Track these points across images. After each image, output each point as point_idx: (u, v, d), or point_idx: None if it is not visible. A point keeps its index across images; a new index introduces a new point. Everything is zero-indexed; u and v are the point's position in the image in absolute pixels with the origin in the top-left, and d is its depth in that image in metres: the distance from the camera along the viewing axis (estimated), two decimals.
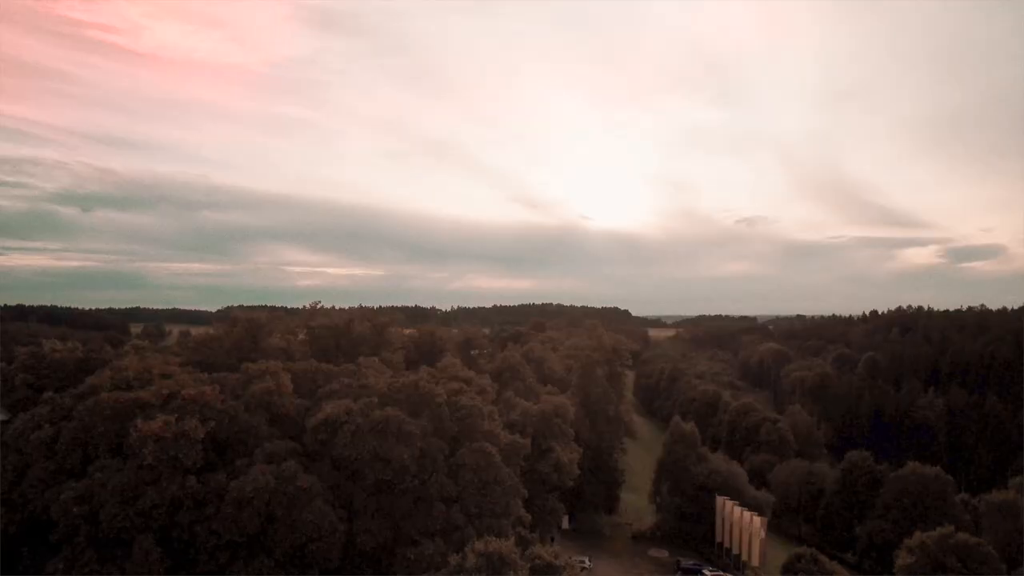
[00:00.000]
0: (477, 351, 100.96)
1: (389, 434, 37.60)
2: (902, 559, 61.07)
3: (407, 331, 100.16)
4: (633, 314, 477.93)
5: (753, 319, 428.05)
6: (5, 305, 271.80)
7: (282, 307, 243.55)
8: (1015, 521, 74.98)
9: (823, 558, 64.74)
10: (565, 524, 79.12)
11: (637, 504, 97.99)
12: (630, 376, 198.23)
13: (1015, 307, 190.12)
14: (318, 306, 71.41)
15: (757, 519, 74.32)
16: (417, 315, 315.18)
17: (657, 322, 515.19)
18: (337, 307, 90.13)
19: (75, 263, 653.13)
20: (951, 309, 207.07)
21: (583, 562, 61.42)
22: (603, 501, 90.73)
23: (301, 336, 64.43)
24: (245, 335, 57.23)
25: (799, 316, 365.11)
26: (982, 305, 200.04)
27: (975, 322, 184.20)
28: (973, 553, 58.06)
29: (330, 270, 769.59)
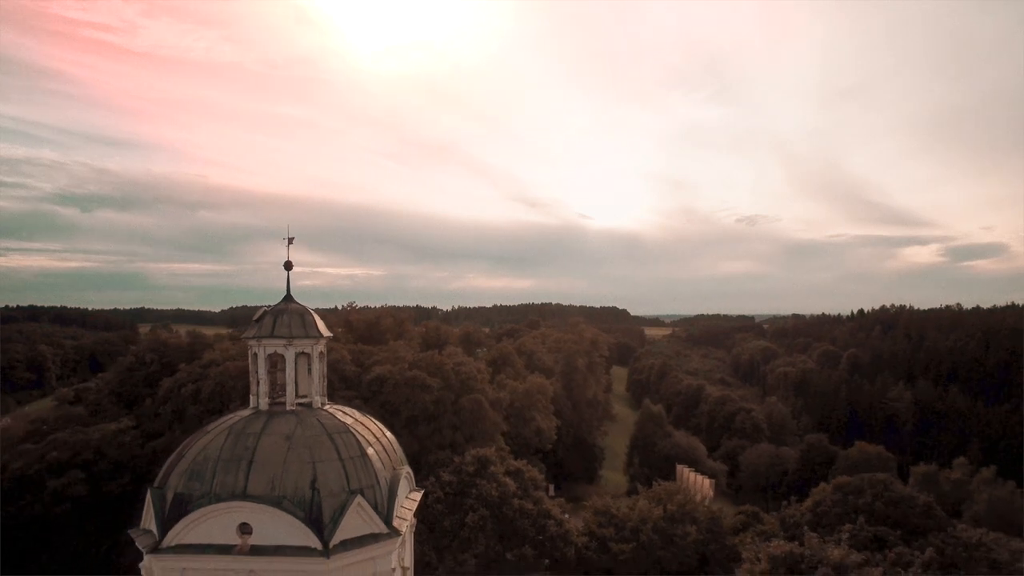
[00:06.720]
0: (475, 347, 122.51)
1: (416, 387, 61.49)
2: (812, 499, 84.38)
3: (416, 328, 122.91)
4: (632, 313, 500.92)
5: (751, 318, 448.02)
6: (18, 305, 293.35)
7: None
8: (936, 488, 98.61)
9: (764, 514, 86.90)
10: (550, 492, 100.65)
11: (618, 480, 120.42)
12: (623, 371, 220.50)
13: (986, 307, 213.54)
14: (353, 305, 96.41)
15: (707, 481, 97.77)
16: (418, 315, 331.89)
17: (655, 321, 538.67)
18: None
19: (76, 264, 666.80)
20: (932, 308, 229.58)
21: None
22: (584, 473, 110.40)
23: (340, 328, 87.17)
24: None
25: (794, 315, 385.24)
26: (958, 304, 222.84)
27: (950, 320, 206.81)
28: None
29: (330, 270, 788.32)
